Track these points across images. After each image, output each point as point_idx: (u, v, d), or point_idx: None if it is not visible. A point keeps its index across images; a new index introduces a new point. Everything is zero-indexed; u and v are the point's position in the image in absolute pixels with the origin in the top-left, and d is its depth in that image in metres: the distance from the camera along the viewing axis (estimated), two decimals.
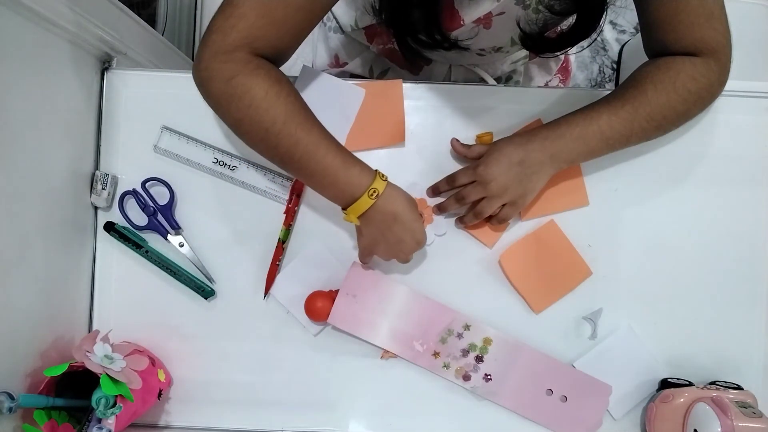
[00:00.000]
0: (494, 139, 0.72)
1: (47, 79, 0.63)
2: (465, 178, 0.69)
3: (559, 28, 0.68)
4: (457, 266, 0.74)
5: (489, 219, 0.71)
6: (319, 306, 0.70)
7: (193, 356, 0.73)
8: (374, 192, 0.60)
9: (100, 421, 0.60)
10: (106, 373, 0.60)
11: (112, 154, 0.74)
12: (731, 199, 0.74)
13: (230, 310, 0.74)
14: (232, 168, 0.73)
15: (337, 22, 0.88)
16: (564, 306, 0.73)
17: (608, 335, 0.73)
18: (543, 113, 0.73)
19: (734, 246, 0.74)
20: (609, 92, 0.67)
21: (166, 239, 0.73)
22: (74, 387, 0.63)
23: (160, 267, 0.73)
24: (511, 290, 0.74)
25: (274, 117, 0.57)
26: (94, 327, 0.73)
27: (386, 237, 0.64)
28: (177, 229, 0.73)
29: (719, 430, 0.62)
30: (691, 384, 0.70)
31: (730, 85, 0.65)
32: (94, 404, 0.60)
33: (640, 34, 0.67)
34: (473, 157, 0.70)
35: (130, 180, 0.73)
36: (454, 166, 0.72)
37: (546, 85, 0.96)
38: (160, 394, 0.68)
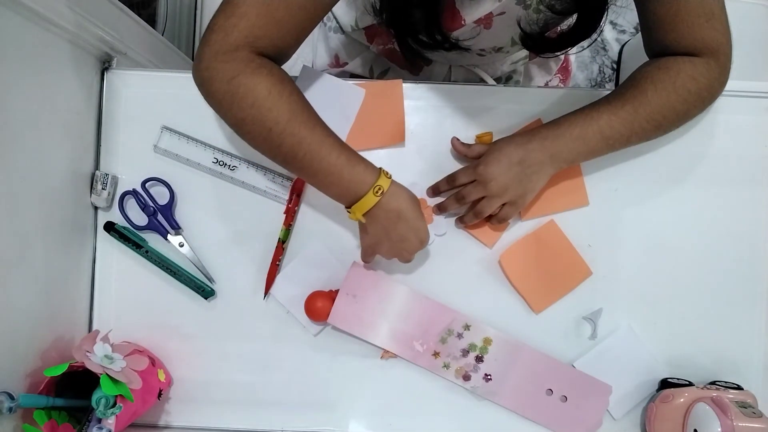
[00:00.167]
0: (494, 139, 0.72)
1: (47, 79, 0.63)
2: (465, 177, 0.69)
3: (559, 29, 0.68)
4: (457, 266, 0.74)
5: (489, 219, 0.71)
6: (319, 306, 0.70)
7: (193, 356, 0.73)
8: (379, 189, 0.60)
9: (100, 421, 0.60)
10: (106, 373, 0.60)
11: (112, 154, 0.74)
12: (731, 199, 0.74)
13: (230, 310, 0.74)
14: (232, 168, 0.73)
15: (338, 22, 0.88)
16: (564, 306, 0.73)
17: (608, 335, 0.73)
18: (543, 113, 0.73)
19: (734, 246, 0.74)
20: (609, 92, 0.67)
21: (166, 239, 0.73)
22: (74, 387, 0.63)
23: (160, 267, 0.73)
24: (511, 290, 0.74)
25: (277, 116, 0.56)
26: (94, 327, 0.73)
27: (390, 235, 0.63)
28: (177, 229, 0.73)
29: (719, 430, 0.62)
30: (691, 384, 0.70)
31: (730, 85, 0.65)
32: (94, 404, 0.60)
33: (640, 34, 0.67)
34: (473, 156, 0.71)
35: (130, 180, 0.73)
36: (454, 166, 0.72)
37: (546, 85, 0.96)
38: (160, 394, 0.68)
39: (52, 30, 0.63)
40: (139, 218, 0.72)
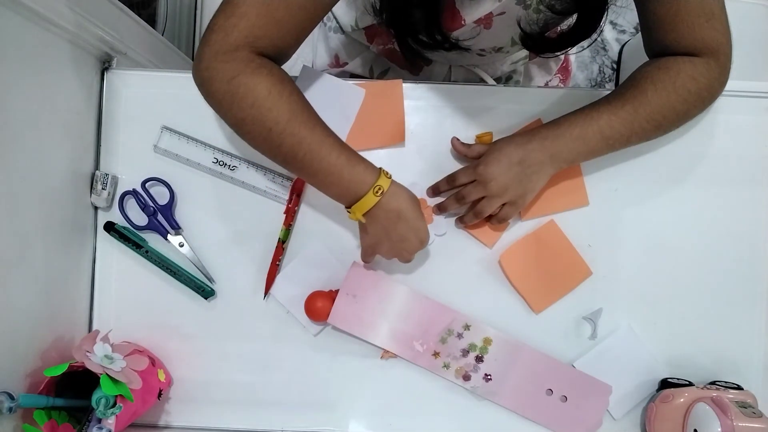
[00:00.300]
0: (494, 139, 0.72)
1: (47, 79, 0.63)
2: (465, 177, 0.69)
3: (559, 29, 0.68)
4: (457, 266, 0.74)
5: (489, 219, 0.71)
6: (319, 306, 0.70)
7: (193, 356, 0.73)
8: (379, 189, 0.60)
9: (100, 421, 0.60)
10: (106, 373, 0.60)
11: (112, 154, 0.74)
12: (731, 199, 0.74)
13: (230, 310, 0.74)
14: (232, 168, 0.73)
15: (338, 22, 0.88)
16: (564, 306, 0.73)
17: (608, 335, 0.73)
18: (543, 113, 0.73)
19: (734, 246, 0.74)
20: (609, 92, 0.67)
21: (166, 239, 0.73)
22: (74, 387, 0.63)
23: (160, 267, 0.73)
24: (511, 290, 0.74)
25: (277, 116, 0.56)
26: (94, 327, 0.73)
27: (390, 235, 0.63)
28: (177, 229, 0.73)
29: (719, 430, 0.62)
30: (691, 384, 0.70)
31: (730, 85, 0.65)
32: (94, 404, 0.60)
33: (640, 34, 0.67)
34: (473, 156, 0.70)
35: (130, 180, 0.73)
36: (454, 166, 0.72)
37: (546, 85, 0.96)
38: (160, 394, 0.68)
39: (52, 30, 0.63)
40: (139, 218, 0.72)
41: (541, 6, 0.62)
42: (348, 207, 0.62)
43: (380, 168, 0.62)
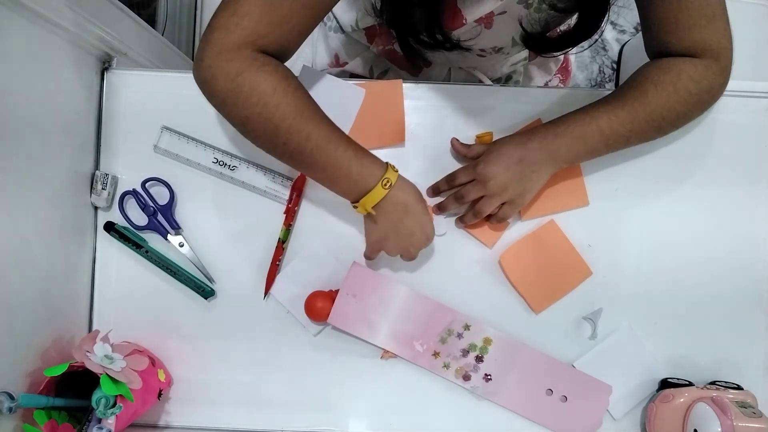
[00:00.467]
0: (494, 139, 0.72)
1: (47, 79, 0.63)
2: (464, 176, 0.69)
3: (559, 29, 0.68)
4: (457, 266, 0.74)
5: (488, 218, 0.71)
6: (319, 306, 0.70)
7: (193, 356, 0.73)
8: (387, 182, 0.60)
9: (100, 421, 0.60)
10: (106, 373, 0.60)
11: (112, 154, 0.74)
12: (731, 199, 0.74)
13: (230, 310, 0.74)
14: (232, 168, 0.73)
15: (338, 22, 0.88)
16: (564, 306, 0.73)
17: (608, 335, 0.73)
18: (543, 113, 0.73)
19: (734, 246, 0.74)
20: (609, 92, 0.67)
21: (166, 239, 0.73)
22: (74, 387, 0.63)
23: (160, 267, 0.73)
24: (511, 290, 0.74)
25: (284, 113, 0.56)
26: (94, 327, 0.73)
27: (397, 229, 0.63)
28: (177, 229, 0.73)
29: (719, 430, 0.62)
30: (691, 384, 0.70)
31: (730, 85, 0.65)
32: (94, 404, 0.60)
33: (640, 34, 0.67)
34: (473, 156, 0.71)
35: (130, 180, 0.73)
36: (454, 166, 0.72)
37: (546, 86, 0.96)
38: (160, 394, 0.68)
39: (52, 30, 0.63)
40: (139, 218, 0.72)
41: (542, 5, 0.62)
42: (355, 201, 0.62)
43: (387, 162, 0.62)
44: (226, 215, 0.74)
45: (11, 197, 0.58)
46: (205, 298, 0.73)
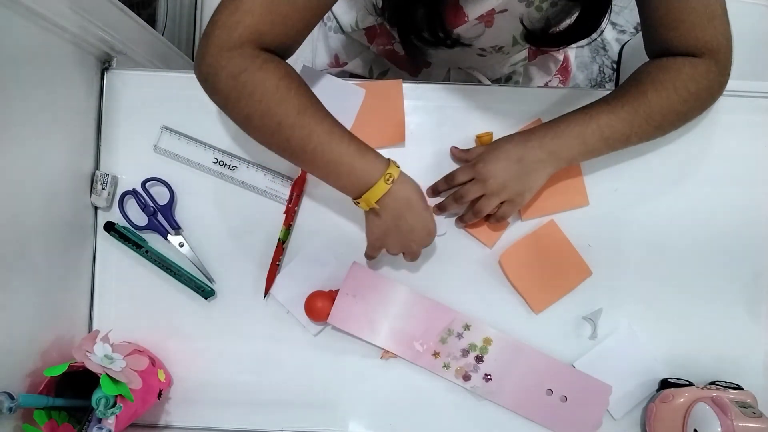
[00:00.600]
0: (494, 139, 0.72)
1: (47, 79, 0.63)
2: (464, 176, 0.69)
3: (559, 29, 0.68)
4: (457, 266, 0.74)
5: (488, 218, 0.71)
6: (319, 306, 0.70)
7: (193, 356, 0.73)
8: (390, 177, 0.60)
9: (100, 421, 0.60)
10: (106, 373, 0.60)
11: (112, 154, 0.74)
12: (731, 199, 0.74)
13: (230, 310, 0.74)
14: (232, 168, 0.73)
15: (338, 22, 0.88)
16: (564, 306, 0.73)
17: (608, 335, 0.73)
18: (543, 113, 0.73)
19: (734, 246, 0.74)
20: (609, 92, 0.67)
21: (166, 239, 0.73)
22: (74, 387, 0.63)
23: (160, 267, 0.73)
24: (511, 290, 0.74)
25: (286, 110, 0.56)
26: (94, 327, 0.73)
27: (399, 225, 0.63)
28: (177, 229, 0.73)
29: (719, 430, 0.62)
30: (691, 384, 0.70)
31: (730, 85, 0.66)
32: (94, 404, 0.60)
33: (640, 33, 0.67)
34: (473, 159, 0.70)
35: (130, 180, 0.73)
36: (453, 166, 0.72)
37: (546, 86, 0.96)
38: (160, 394, 0.68)
39: (52, 30, 0.63)
40: (139, 218, 0.72)
41: (543, 3, 0.62)
42: (357, 197, 0.62)
43: (389, 158, 0.62)
44: (226, 215, 0.74)
45: (11, 197, 0.58)
46: (205, 298, 0.73)
